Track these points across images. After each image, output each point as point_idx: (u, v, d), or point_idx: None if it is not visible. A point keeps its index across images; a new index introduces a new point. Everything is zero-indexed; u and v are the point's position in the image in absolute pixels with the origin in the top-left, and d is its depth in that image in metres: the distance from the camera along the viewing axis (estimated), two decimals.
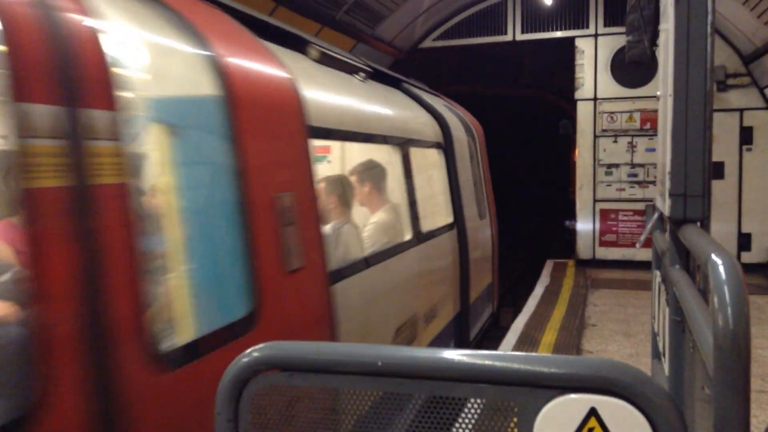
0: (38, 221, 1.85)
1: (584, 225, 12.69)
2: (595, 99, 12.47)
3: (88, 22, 2.17)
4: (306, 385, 1.53)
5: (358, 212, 5.03)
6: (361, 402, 1.54)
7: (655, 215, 3.14)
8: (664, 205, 2.43)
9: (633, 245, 11.97)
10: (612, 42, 12.25)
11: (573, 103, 12.76)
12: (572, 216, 13.11)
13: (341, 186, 4.73)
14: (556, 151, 21.61)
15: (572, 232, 13.19)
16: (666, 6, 2.43)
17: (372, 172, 5.07)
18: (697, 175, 2.22)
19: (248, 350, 1.56)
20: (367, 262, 4.29)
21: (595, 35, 12.50)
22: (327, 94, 4.29)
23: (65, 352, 1.88)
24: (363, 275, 4.11)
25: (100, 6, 2.28)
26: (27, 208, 1.84)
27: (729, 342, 1.40)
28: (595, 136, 12.48)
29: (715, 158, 11.42)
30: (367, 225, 4.88)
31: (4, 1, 1.89)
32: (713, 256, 1.55)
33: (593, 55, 12.48)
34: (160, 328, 2.29)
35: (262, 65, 3.36)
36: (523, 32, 13.02)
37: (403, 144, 5.44)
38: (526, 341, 7.62)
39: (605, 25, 12.42)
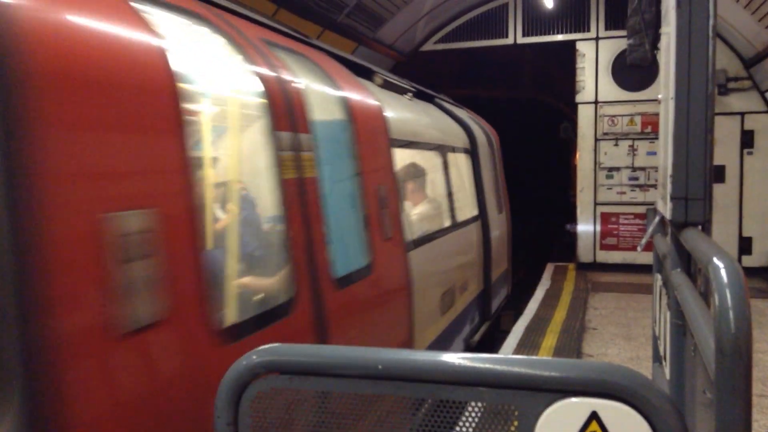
0: (289, 194, 3.23)
1: (585, 228, 12.68)
2: (596, 102, 12.47)
3: (299, 82, 3.65)
4: (306, 389, 1.53)
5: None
6: (361, 405, 1.53)
7: (656, 218, 3.13)
8: (666, 209, 2.42)
9: (634, 248, 11.96)
10: (613, 45, 12.26)
11: (574, 106, 12.76)
12: (573, 219, 13.11)
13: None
14: (557, 155, 21.61)
15: (573, 236, 13.18)
16: (668, 9, 2.43)
17: (414, 173, 6.33)
18: (698, 178, 2.21)
19: (248, 353, 1.55)
20: (423, 240, 5.61)
21: (597, 38, 12.50)
22: (396, 113, 5.58)
23: (308, 279, 3.27)
24: (423, 248, 5.47)
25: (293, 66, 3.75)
26: (285, 188, 3.21)
27: (731, 345, 1.40)
28: (596, 140, 12.48)
29: (716, 162, 11.42)
30: (411, 215, 6.05)
31: (265, 76, 3.25)
32: (715, 260, 1.55)
33: (594, 58, 12.49)
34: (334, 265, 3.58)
35: (362, 95, 4.73)
36: (524, 35, 13.02)
37: (443, 150, 7.01)
38: (527, 344, 7.61)
39: (606, 29, 12.42)
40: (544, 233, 20.98)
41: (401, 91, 6.53)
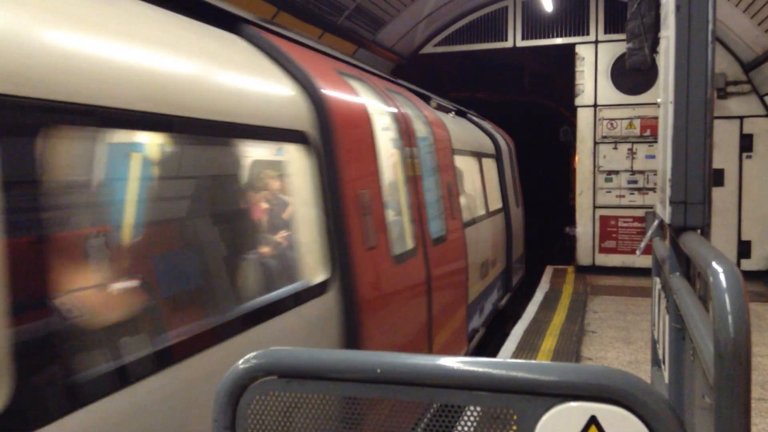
0: (411, 186, 5.23)
1: (584, 231, 12.69)
2: (595, 106, 12.48)
3: (407, 113, 5.65)
4: (304, 392, 1.52)
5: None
6: (360, 409, 1.53)
7: (656, 222, 3.13)
8: (665, 212, 2.42)
9: (633, 252, 11.97)
10: (612, 49, 12.28)
11: (573, 109, 12.78)
12: (572, 222, 13.11)
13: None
14: (557, 158, 21.61)
15: (572, 239, 13.18)
16: (667, 14, 2.43)
17: (462, 173, 8.03)
18: (697, 182, 2.21)
19: (246, 357, 1.55)
20: (470, 223, 7.54)
21: (596, 42, 12.52)
22: (451, 129, 7.35)
23: (421, 238, 5.25)
24: (470, 228, 7.40)
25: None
26: (410, 182, 5.21)
27: (730, 350, 1.40)
28: (595, 143, 12.50)
29: (715, 165, 11.45)
30: (463, 204, 7.58)
31: (394, 111, 5.30)
32: (714, 264, 1.54)
33: (593, 61, 12.51)
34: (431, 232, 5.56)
35: (435, 117, 6.76)
36: (523, 38, 13.04)
37: (478, 156, 8.92)
38: (526, 347, 7.61)
39: (606, 32, 12.44)
40: (543, 236, 20.98)
41: (447, 110, 8.68)
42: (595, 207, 12.56)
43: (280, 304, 3.12)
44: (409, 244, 5.04)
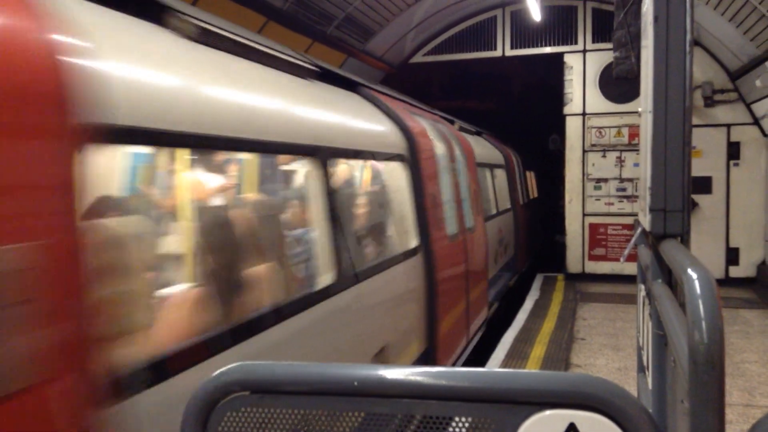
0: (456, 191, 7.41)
1: (573, 239, 12.74)
2: (583, 114, 12.56)
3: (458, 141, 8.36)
4: (278, 408, 1.49)
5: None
6: (335, 424, 1.52)
7: (639, 230, 3.16)
8: (645, 220, 2.45)
9: (627, 259, 12.01)
10: (600, 58, 12.37)
11: (562, 118, 12.85)
12: (562, 230, 13.17)
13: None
14: (547, 166, 21.70)
15: (562, 246, 13.24)
16: (646, 24, 2.46)
17: (482, 180, 10.04)
18: (676, 190, 2.24)
19: (216, 373, 1.51)
20: (488, 218, 9.75)
21: (584, 51, 12.62)
22: (474, 146, 9.43)
23: (462, 226, 7.46)
24: (489, 222, 9.56)
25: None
26: (455, 187, 7.42)
27: (703, 355, 1.41)
28: (584, 151, 12.57)
29: (703, 173, 11.65)
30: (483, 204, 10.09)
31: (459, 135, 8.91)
32: (689, 271, 1.56)
33: (582, 70, 12.60)
34: (466, 223, 7.76)
35: (463, 139, 8.70)
36: (512, 48, 13.13)
37: (494, 167, 11.37)
38: (515, 355, 7.62)
39: (594, 41, 12.55)
40: (534, 244, 21.00)
41: (468, 131, 10.77)
42: (584, 215, 12.62)
43: (403, 255, 5.40)
44: (455, 229, 6.93)
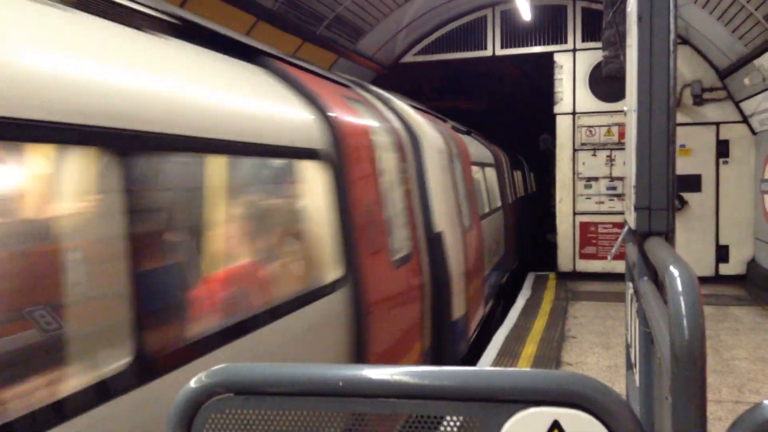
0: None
1: (564, 238, 12.78)
2: (573, 113, 12.60)
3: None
4: (263, 409, 1.49)
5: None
6: (322, 424, 1.52)
7: (626, 228, 3.18)
8: (631, 219, 2.47)
9: (616, 257, 12.06)
10: (590, 57, 12.42)
11: (552, 117, 12.90)
12: (554, 229, 13.21)
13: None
14: (538, 165, 21.76)
15: (553, 245, 13.28)
16: (630, 24, 2.48)
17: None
18: (661, 189, 2.25)
19: (199, 374, 1.49)
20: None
21: (574, 50, 12.66)
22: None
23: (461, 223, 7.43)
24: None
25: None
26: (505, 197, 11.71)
27: (685, 352, 1.43)
28: (575, 150, 12.61)
29: (692, 171, 11.72)
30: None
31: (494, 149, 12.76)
32: (671, 268, 1.58)
33: (572, 69, 12.64)
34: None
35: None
36: (502, 47, 13.16)
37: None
38: (507, 354, 7.64)
39: (583, 41, 12.59)
40: (526, 243, 21.08)
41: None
42: (575, 213, 12.67)
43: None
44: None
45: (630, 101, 2.50)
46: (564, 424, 1.48)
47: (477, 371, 1.52)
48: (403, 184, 5.50)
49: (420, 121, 6.52)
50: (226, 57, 3.65)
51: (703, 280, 11.66)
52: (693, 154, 11.87)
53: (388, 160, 5.15)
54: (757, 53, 9.20)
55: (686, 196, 11.85)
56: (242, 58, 3.89)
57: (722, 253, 11.91)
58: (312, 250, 3.88)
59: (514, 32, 13.03)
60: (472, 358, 7.83)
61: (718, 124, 11.87)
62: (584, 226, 12.64)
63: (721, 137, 11.88)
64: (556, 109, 12.71)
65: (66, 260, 2.25)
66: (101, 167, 2.25)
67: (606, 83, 11.73)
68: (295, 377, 1.54)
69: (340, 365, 1.57)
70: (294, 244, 3.86)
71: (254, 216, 3.59)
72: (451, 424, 1.50)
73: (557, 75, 12.70)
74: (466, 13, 13.24)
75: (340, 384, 1.49)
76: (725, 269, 11.88)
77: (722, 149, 11.88)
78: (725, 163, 11.90)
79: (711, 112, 11.86)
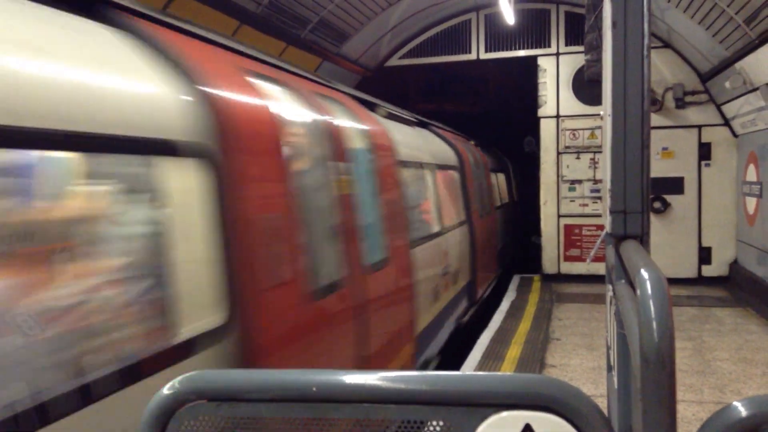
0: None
1: (549, 240, 12.85)
2: (557, 116, 12.68)
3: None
4: (236, 416, 1.49)
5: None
6: (297, 430, 1.52)
7: (604, 231, 3.20)
8: (607, 222, 2.49)
9: (596, 259, 12.13)
10: (573, 60, 12.50)
11: (537, 120, 12.96)
12: (538, 231, 13.27)
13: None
14: (522, 168, 21.85)
15: (538, 248, 13.34)
16: (605, 29, 2.50)
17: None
18: (636, 192, 2.27)
19: (171, 381, 1.48)
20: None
21: (557, 54, 12.74)
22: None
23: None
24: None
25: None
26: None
27: (654, 355, 1.44)
28: (559, 153, 12.69)
29: (674, 174, 11.83)
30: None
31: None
32: (641, 271, 1.59)
33: (555, 73, 12.72)
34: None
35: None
36: (487, 51, 13.22)
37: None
38: (491, 356, 7.66)
39: (566, 44, 12.67)
40: (510, 246, 21.12)
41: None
42: (559, 216, 12.74)
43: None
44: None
45: (605, 106, 2.52)
46: (536, 428, 1.49)
47: (449, 375, 1.53)
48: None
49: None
50: (420, 129, 5.47)
51: (686, 282, 11.76)
52: (675, 156, 11.97)
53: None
54: (738, 57, 9.30)
55: (669, 198, 11.96)
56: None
57: (705, 255, 12.02)
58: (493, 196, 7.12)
59: (498, 36, 13.10)
60: (457, 361, 7.85)
61: (700, 127, 11.98)
62: (568, 228, 12.71)
63: (704, 140, 11.99)
64: (540, 112, 12.79)
65: None
66: None
67: (589, 87, 11.80)
68: (269, 383, 1.54)
69: (314, 370, 1.57)
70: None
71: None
72: (424, 428, 1.51)
73: (541, 78, 12.78)
74: (450, 16, 13.29)
75: (314, 389, 1.50)
76: (708, 271, 11.98)
77: (704, 152, 11.99)
78: (707, 165, 12.01)
79: (693, 115, 11.98)
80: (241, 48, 4.05)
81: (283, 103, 3.92)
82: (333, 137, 4.48)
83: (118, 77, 2.62)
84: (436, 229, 7.62)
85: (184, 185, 2.76)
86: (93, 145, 2.32)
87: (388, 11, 11.84)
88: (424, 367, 6.56)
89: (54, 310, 2.17)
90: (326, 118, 4.51)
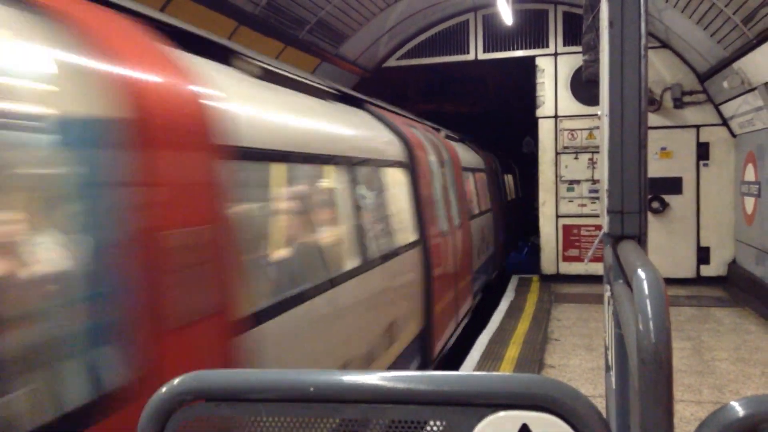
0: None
1: (547, 240, 12.85)
2: (555, 116, 12.68)
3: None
4: (234, 415, 1.49)
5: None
6: (295, 430, 1.52)
7: (602, 231, 3.20)
8: (605, 222, 2.49)
9: (595, 260, 12.13)
10: (571, 61, 12.51)
11: (535, 120, 12.97)
12: (537, 231, 13.28)
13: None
14: (521, 168, 21.87)
15: (537, 248, 13.34)
16: (602, 29, 2.50)
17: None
18: (633, 192, 2.27)
19: (170, 381, 1.48)
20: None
21: (555, 54, 12.75)
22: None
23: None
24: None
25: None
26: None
27: (651, 355, 1.44)
28: (557, 153, 12.69)
29: (673, 174, 11.84)
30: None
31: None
32: (638, 271, 1.59)
33: (553, 73, 12.72)
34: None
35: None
36: (485, 51, 13.22)
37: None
38: (490, 356, 7.66)
39: (565, 45, 12.68)
40: (509, 246, 21.14)
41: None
42: (557, 216, 12.74)
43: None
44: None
45: (603, 106, 2.52)
46: (533, 428, 1.49)
47: (447, 375, 1.53)
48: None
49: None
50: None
51: (685, 282, 11.76)
52: (674, 156, 11.98)
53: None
54: (736, 56, 9.31)
55: (667, 198, 11.96)
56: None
57: (703, 255, 12.02)
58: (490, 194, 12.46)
59: (496, 36, 13.10)
60: (456, 361, 7.85)
61: (698, 126, 11.99)
62: (567, 228, 12.71)
63: (702, 140, 12.00)
64: (539, 112, 12.79)
65: None
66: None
67: (587, 87, 11.81)
68: (267, 383, 1.54)
69: (312, 371, 1.57)
70: None
71: None
72: (422, 428, 1.51)
73: (539, 79, 12.78)
74: (448, 17, 13.29)
75: (311, 389, 1.50)
76: (706, 271, 11.99)
77: (703, 152, 12.00)
78: (706, 165, 12.02)
79: (691, 115, 11.98)
80: (397, 110, 7.31)
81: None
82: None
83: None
84: (483, 208, 10.19)
85: (490, 177, 11.97)
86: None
87: (386, 12, 11.84)
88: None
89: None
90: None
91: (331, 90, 5.97)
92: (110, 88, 2.58)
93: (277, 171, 4.13)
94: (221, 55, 4.01)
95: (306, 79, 5.35)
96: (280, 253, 4.04)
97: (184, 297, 2.75)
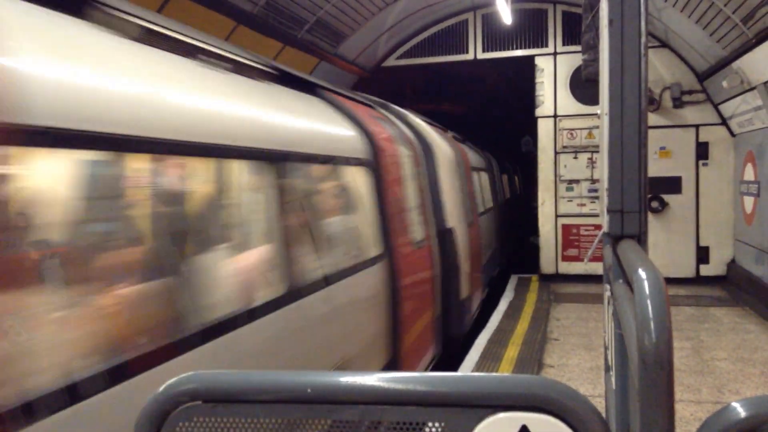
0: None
1: (547, 240, 12.84)
2: (555, 116, 12.67)
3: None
4: (231, 417, 1.48)
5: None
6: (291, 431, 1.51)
7: (601, 231, 3.19)
8: (605, 221, 2.48)
9: (594, 259, 12.13)
10: (570, 60, 12.49)
11: (534, 120, 12.95)
12: (537, 231, 13.27)
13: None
14: (521, 168, 21.87)
15: (536, 248, 13.33)
16: (602, 28, 2.49)
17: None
18: (633, 192, 2.26)
19: (167, 382, 1.48)
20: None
21: (554, 54, 12.74)
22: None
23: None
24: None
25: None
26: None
27: (652, 356, 1.43)
28: (556, 153, 12.68)
29: (672, 173, 11.83)
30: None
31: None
32: (639, 271, 1.58)
33: (553, 73, 12.71)
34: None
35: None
36: (484, 51, 13.21)
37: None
38: (489, 357, 7.65)
39: (564, 44, 12.67)
40: (509, 246, 21.13)
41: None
42: (557, 216, 12.73)
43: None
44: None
45: (602, 105, 2.51)
46: (532, 429, 1.48)
47: (446, 376, 1.52)
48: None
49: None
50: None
51: (684, 281, 11.75)
52: (673, 156, 11.97)
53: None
54: (735, 56, 9.30)
55: (667, 197, 11.96)
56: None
57: (702, 255, 12.02)
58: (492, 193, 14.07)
59: (495, 36, 13.09)
60: (455, 362, 7.84)
61: (697, 126, 11.98)
62: (566, 228, 12.70)
63: (701, 139, 11.99)
64: (538, 112, 12.78)
65: None
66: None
67: (586, 86, 11.79)
68: (264, 384, 1.53)
69: (309, 372, 1.56)
70: None
71: None
72: (421, 429, 1.49)
73: (538, 78, 12.77)
74: (447, 17, 13.28)
75: (309, 391, 1.48)
76: (706, 270, 11.98)
77: (702, 151, 11.99)
78: (705, 165, 12.01)
79: (690, 114, 11.98)
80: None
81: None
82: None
83: None
84: (487, 206, 11.96)
85: (487, 175, 14.07)
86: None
87: (385, 11, 11.83)
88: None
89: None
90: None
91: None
92: None
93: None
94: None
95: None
96: (480, 201, 7.75)
97: None
